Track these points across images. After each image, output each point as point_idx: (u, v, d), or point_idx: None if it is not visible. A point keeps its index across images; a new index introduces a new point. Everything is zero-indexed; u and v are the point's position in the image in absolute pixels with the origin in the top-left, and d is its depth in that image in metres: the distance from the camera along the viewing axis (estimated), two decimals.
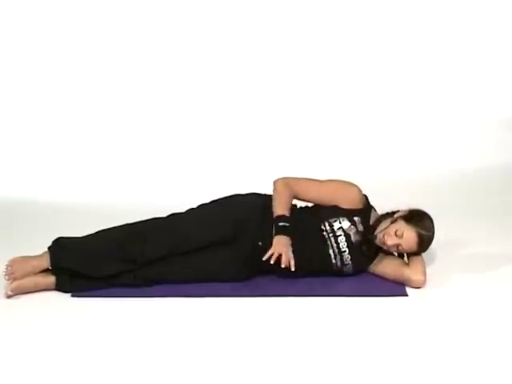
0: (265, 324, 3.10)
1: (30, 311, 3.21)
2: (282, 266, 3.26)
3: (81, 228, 3.56)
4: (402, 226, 3.35)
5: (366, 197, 3.50)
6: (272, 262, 3.25)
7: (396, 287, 3.41)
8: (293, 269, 3.27)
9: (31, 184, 4.72)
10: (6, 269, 3.36)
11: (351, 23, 4.97)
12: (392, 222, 3.38)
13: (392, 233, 3.35)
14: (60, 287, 3.39)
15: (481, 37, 5.02)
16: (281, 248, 3.29)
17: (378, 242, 3.40)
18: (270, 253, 3.28)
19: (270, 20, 4.94)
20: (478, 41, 5.03)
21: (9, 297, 3.33)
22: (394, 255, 3.54)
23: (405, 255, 3.51)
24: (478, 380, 2.68)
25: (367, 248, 3.45)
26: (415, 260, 3.43)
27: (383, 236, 3.36)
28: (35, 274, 3.38)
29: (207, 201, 3.58)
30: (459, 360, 2.81)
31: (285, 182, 3.48)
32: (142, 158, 4.89)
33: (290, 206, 3.44)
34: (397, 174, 4.79)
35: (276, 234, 3.34)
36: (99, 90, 4.93)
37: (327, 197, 3.46)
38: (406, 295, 3.35)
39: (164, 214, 3.53)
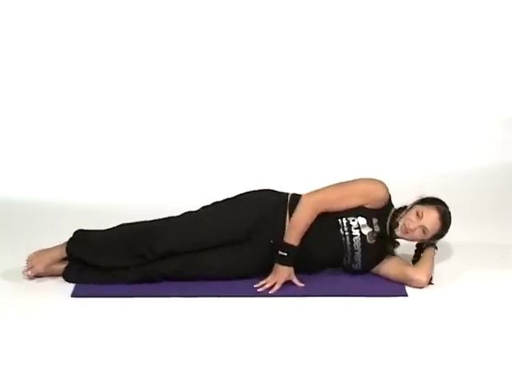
0: (265, 324, 3.10)
1: (29, 311, 3.21)
2: (259, 289, 3.33)
3: (81, 228, 3.56)
4: (420, 207, 3.36)
5: (389, 196, 3.47)
6: (259, 290, 3.33)
7: (396, 287, 3.41)
8: (270, 292, 3.32)
9: (31, 184, 4.71)
10: (27, 264, 3.43)
11: (351, 24, 4.97)
12: (408, 210, 3.38)
13: (412, 216, 3.34)
14: (66, 277, 3.44)
15: (481, 37, 5.02)
16: (277, 279, 3.33)
17: (399, 232, 3.37)
18: (264, 281, 3.34)
19: (270, 20, 4.94)
20: (478, 41, 5.03)
21: (29, 276, 3.44)
22: (396, 255, 3.54)
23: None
24: (478, 380, 2.68)
25: (393, 246, 3.47)
26: (425, 259, 3.43)
27: (404, 223, 3.34)
28: (54, 264, 3.47)
29: (212, 201, 3.57)
30: (459, 360, 2.81)
31: (314, 204, 3.35)
32: (144, 158, 4.89)
33: (303, 233, 3.34)
34: (397, 174, 4.78)
35: (275, 261, 3.36)
36: (100, 91, 4.92)
37: (357, 203, 3.39)
38: (406, 295, 3.35)
39: (166, 214, 3.53)
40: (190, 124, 4.97)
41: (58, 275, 3.47)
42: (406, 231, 3.36)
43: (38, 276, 3.45)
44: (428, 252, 3.48)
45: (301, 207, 3.36)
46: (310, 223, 3.36)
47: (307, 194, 3.41)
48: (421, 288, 3.38)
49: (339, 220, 3.39)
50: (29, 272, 3.43)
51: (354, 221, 3.39)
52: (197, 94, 4.97)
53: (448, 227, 3.40)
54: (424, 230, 3.34)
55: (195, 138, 4.95)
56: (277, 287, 3.33)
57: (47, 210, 4.46)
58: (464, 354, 2.85)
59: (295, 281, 3.37)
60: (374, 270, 3.50)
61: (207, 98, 4.98)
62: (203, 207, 3.55)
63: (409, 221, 3.35)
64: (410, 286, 3.39)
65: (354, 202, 3.40)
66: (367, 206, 3.40)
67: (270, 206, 3.45)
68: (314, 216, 3.37)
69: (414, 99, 5.06)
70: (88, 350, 2.89)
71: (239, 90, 4.98)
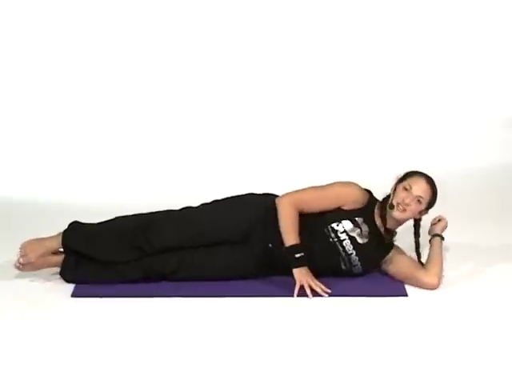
0: (265, 324, 3.10)
1: (29, 311, 3.21)
2: (325, 296, 3.28)
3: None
4: (405, 182, 3.37)
5: (369, 192, 3.48)
6: (311, 298, 3.28)
7: (396, 287, 3.41)
8: (329, 291, 3.30)
9: (31, 184, 4.72)
10: (20, 251, 3.42)
11: (351, 24, 4.97)
12: (394, 191, 3.39)
13: (402, 193, 3.35)
14: (63, 275, 3.43)
15: (481, 37, 5.02)
16: (306, 279, 3.31)
17: (396, 213, 3.36)
18: (298, 288, 3.30)
19: (270, 20, 4.94)
20: (478, 41, 5.03)
21: (17, 268, 3.42)
22: (407, 256, 3.53)
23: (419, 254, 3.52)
24: (478, 380, 2.68)
25: (389, 236, 3.45)
26: (434, 260, 3.43)
27: (398, 201, 3.34)
28: (48, 254, 3.45)
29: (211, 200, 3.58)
30: (459, 360, 2.80)
31: (289, 202, 3.40)
32: (144, 158, 4.89)
33: (296, 228, 3.37)
34: (397, 174, 4.79)
35: (294, 266, 3.33)
36: (100, 91, 4.92)
37: (330, 205, 3.42)
38: (406, 295, 3.35)
39: None
40: (190, 124, 4.97)
41: (51, 266, 3.45)
42: (404, 208, 3.35)
43: (28, 266, 3.41)
44: (435, 247, 3.48)
45: (279, 211, 3.39)
46: (295, 218, 3.37)
47: (280, 197, 3.44)
48: (432, 290, 3.38)
49: (325, 229, 3.40)
50: (21, 259, 3.41)
51: (338, 225, 3.39)
52: (197, 94, 4.97)
53: (437, 191, 3.40)
54: (419, 199, 3.35)
55: (195, 138, 4.95)
56: (308, 290, 3.29)
57: (47, 210, 4.46)
58: (464, 354, 2.85)
59: (314, 283, 3.32)
60: (383, 268, 3.50)
61: (207, 99, 4.98)
62: (203, 204, 3.56)
63: (401, 197, 3.35)
64: (421, 288, 3.39)
65: (327, 204, 3.41)
66: (346, 208, 3.41)
67: (268, 209, 3.45)
68: (296, 211, 3.38)
69: (413, 99, 5.06)
70: (88, 350, 2.88)
71: (238, 90, 4.98)
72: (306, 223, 3.41)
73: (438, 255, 3.45)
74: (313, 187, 3.47)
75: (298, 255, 3.32)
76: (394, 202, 3.36)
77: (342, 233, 3.39)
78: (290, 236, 3.35)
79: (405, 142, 5.01)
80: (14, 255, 3.48)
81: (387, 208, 3.39)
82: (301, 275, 3.32)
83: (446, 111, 5.08)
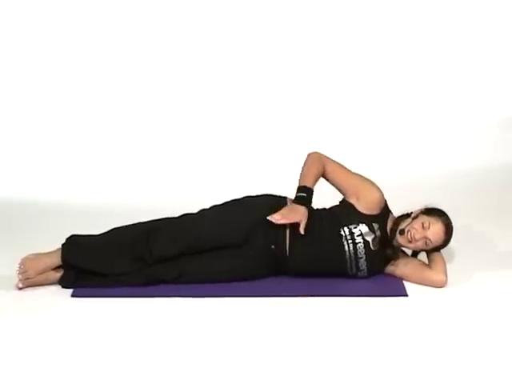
0: (265, 324, 3.10)
1: (29, 311, 3.21)
2: (301, 230, 3.31)
3: (81, 228, 3.56)
4: (426, 218, 3.36)
5: (385, 201, 3.48)
6: (269, 218, 3.32)
7: (396, 287, 3.41)
8: (302, 232, 3.31)
9: (31, 184, 4.72)
10: (19, 267, 3.39)
11: (352, 24, 4.97)
12: (414, 219, 3.38)
13: (418, 226, 3.34)
14: (62, 283, 3.40)
15: (481, 37, 5.03)
16: (289, 214, 3.33)
17: (403, 240, 3.37)
18: (276, 215, 3.33)
19: (270, 20, 4.94)
20: (478, 41, 5.03)
21: (20, 289, 3.37)
22: (409, 256, 3.54)
23: (419, 255, 3.53)
24: (478, 380, 2.68)
25: (392, 251, 3.45)
26: (436, 259, 3.43)
27: (408, 231, 3.34)
28: (48, 271, 3.41)
29: (212, 203, 3.56)
30: (459, 360, 2.81)
31: (318, 156, 3.48)
32: (144, 159, 4.89)
33: (315, 178, 3.43)
34: (397, 174, 4.79)
35: (294, 201, 3.39)
36: (100, 91, 4.92)
37: (351, 189, 3.44)
38: (406, 295, 3.35)
39: (166, 215, 3.53)
40: (190, 125, 4.97)
41: (52, 283, 3.41)
42: (410, 240, 3.35)
43: (27, 282, 3.37)
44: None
45: (307, 159, 3.47)
46: (318, 171, 3.44)
47: (313, 151, 3.51)
48: (441, 287, 3.39)
49: (341, 230, 3.40)
50: (20, 275, 3.37)
51: (355, 228, 3.39)
52: (197, 94, 4.97)
53: (450, 240, 3.41)
54: (427, 241, 3.35)
55: (195, 139, 4.95)
56: (283, 221, 3.32)
57: (47, 210, 4.46)
58: (464, 354, 2.85)
59: (302, 226, 3.34)
60: (388, 270, 3.50)
61: (208, 99, 4.98)
62: (202, 210, 3.55)
63: (414, 230, 3.34)
64: (430, 286, 3.40)
65: (348, 184, 3.46)
66: (361, 209, 3.41)
67: (268, 210, 3.44)
68: (322, 168, 3.45)
69: (413, 99, 5.07)
70: (88, 350, 2.89)
71: (239, 92, 4.98)
72: (320, 222, 3.41)
73: (438, 253, 3.45)
74: (343, 166, 3.53)
75: (299, 194, 3.37)
76: (406, 229, 3.36)
77: (358, 235, 3.39)
78: (306, 179, 3.41)
79: (404, 142, 5.01)
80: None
81: (398, 228, 3.39)
82: (293, 210, 3.35)
83: (446, 111, 5.09)
